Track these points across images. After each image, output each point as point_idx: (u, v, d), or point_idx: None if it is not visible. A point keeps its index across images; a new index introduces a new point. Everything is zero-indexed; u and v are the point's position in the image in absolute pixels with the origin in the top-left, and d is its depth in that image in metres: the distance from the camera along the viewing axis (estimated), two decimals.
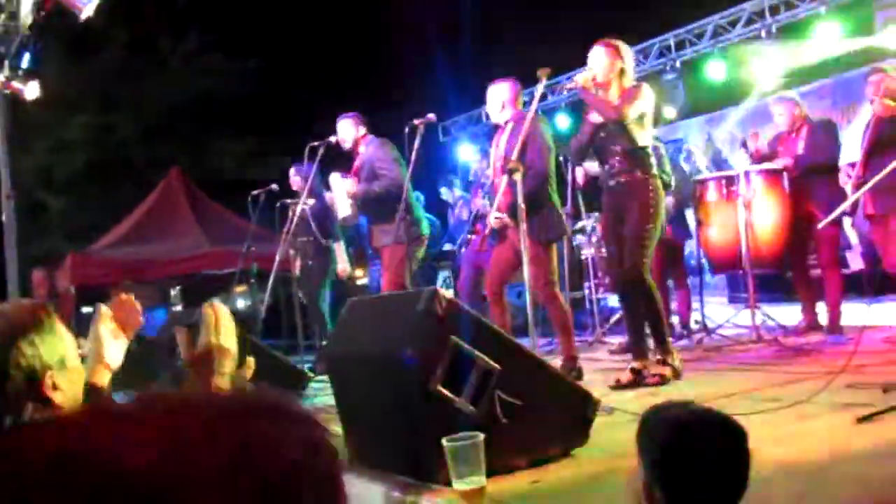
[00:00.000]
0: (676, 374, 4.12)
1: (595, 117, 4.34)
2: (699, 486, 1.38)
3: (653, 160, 4.32)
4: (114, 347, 1.84)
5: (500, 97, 4.85)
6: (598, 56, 4.32)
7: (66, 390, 1.49)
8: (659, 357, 4.15)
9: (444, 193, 8.38)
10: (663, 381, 4.02)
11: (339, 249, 6.55)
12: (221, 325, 1.65)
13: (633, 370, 4.18)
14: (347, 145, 5.87)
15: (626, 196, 4.24)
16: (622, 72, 4.30)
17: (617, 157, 4.28)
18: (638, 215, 4.17)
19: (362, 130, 5.87)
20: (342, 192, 5.75)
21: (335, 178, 5.83)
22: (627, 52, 4.38)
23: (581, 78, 4.27)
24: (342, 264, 6.57)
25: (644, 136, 4.25)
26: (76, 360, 1.55)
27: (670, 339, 4.33)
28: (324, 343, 6.39)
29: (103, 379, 1.82)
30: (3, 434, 1.32)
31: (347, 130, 5.86)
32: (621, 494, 1.51)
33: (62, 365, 1.48)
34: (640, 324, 4.32)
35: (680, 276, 6.44)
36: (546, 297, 4.58)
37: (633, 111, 4.16)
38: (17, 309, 1.50)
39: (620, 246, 4.30)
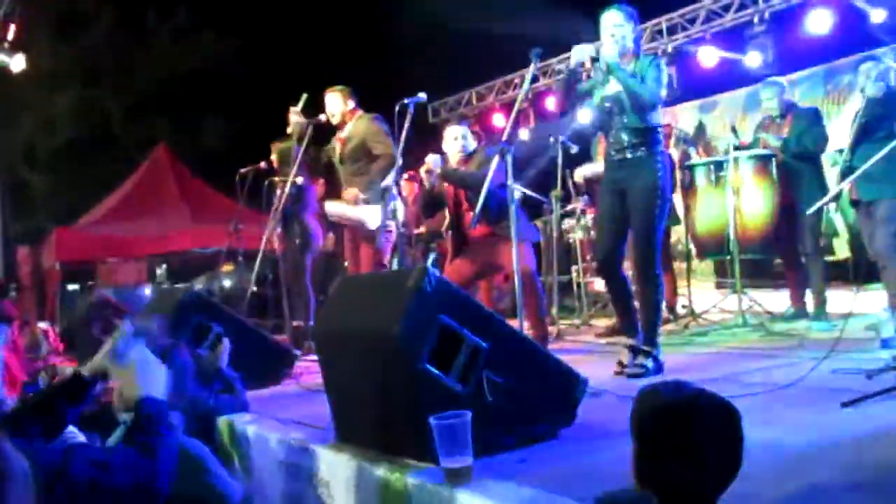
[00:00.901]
0: (658, 368, 3.97)
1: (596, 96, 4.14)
2: (691, 466, 1.38)
3: (661, 138, 4.10)
4: None
5: None
6: (616, 22, 3.99)
7: None
8: (646, 348, 4.01)
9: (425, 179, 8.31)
10: (645, 372, 3.94)
11: (316, 226, 6.46)
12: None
13: (631, 347, 4.05)
14: (336, 119, 5.74)
15: (630, 175, 4.02)
16: (637, 42, 4.08)
17: (624, 132, 4.04)
18: (644, 197, 3.95)
19: (351, 104, 5.75)
20: (347, 209, 5.51)
21: (333, 205, 5.61)
22: (636, 16, 4.12)
23: (610, 52, 3.89)
24: (320, 240, 6.49)
25: (656, 115, 4.05)
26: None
27: (660, 333, 4.19)
28: (295, 323, 6.35)
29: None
30: None
31: (336, 103, 5.74)
32: (608, 475, 1.51)
33: None
34: (628, 302, 4.20)
35: (665, 260, 6.45)
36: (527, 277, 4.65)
37: (663, 92, 3.97)
38: None
39: (610, 226, 4.12)
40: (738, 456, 1.40)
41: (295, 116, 5.83)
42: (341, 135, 5.74)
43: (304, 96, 5.87)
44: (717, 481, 1.39)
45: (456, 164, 5.16)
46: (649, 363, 3.93)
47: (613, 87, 4.05)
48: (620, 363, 4.00)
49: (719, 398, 1.47)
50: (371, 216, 5.42)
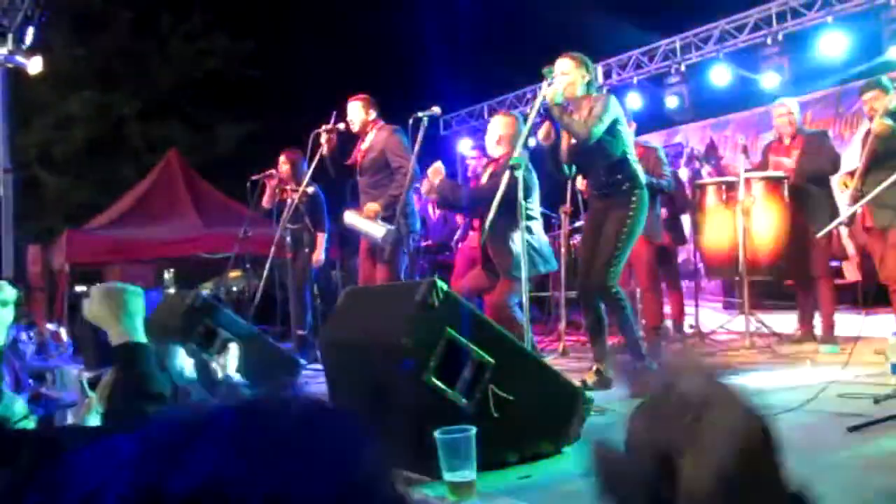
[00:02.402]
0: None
1: (566, 137, 4.30)
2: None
3: (636, 167, 4.25)
4: None
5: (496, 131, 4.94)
6: (563, 69, 4.23)
7: None
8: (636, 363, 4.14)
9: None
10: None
11: (321, 239, 6.46)
12: None
13: (597, 371, 4.19)
14: (355, 127, 5.68)
15: (607, 207, 4.22)
16: (589, 84, 4.26)
17: (598, 171, 4.24)
18: (614, 225, 4.14)
19: (373, 114, 5.70)
20: (365, 222, 5.44)
21: (350, 216, 5.52)
22: (591, 63, 4.33)
23: (550, 92, 4.14)
24: (318, 255, 6.45)
25: (620, 146, 4.19)
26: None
27: (643, 345, 4.29)
28: (300, 333, 6.35)
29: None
30: None
31: (357, 112, 5.69)
32: None
33: None
34: (600, 330, 4.33)
35: (672, 279, 6.44)
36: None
37: (601, 127, 4.08)
38: None
39: (590, 257, 4.27)
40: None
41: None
42: (362, 145, 5.70)
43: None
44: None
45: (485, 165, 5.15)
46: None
47: None
48: (583, 381, 4.03)
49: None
50: (384, 233, 5.35)
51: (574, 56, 4.26)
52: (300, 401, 0.60)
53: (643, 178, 4.29)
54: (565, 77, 4.20)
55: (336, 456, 0.54)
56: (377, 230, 5.37)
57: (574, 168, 4.49)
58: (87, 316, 1.69)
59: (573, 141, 4.24)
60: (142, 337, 1.66)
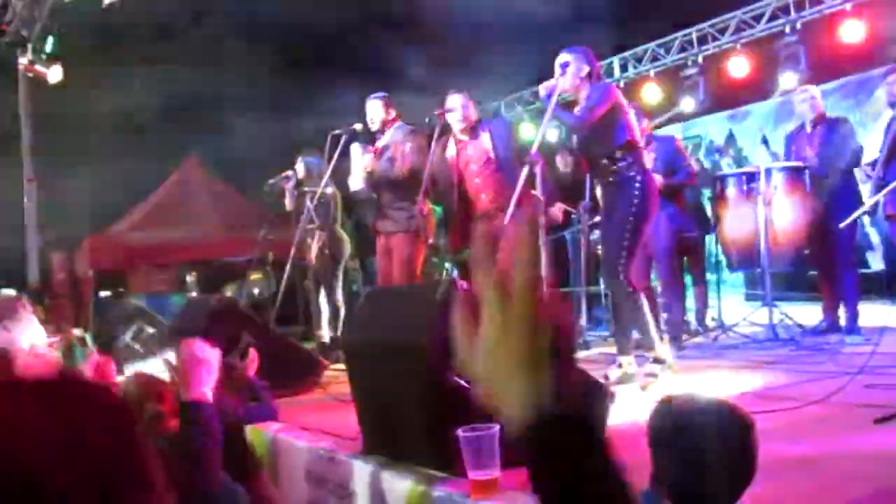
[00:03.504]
0: (667, 369, 4.07)
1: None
2: (703, 474, 1.40)
3: (639, 153, 4.22)
4: None
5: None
6: (560, 61, 4.25)
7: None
8: (652, 356, 4.10)
9: None
10: (654, 378, 3.97)
11: (339, 236, 6.50)
12: None
13: (619, 365, 4.19)
14: (375, 126, 5.72)
15: (613, 196, 4.21)
16: (590, 75, 4.24)
17: (600, 161, 4.23)
18: (619, 214, 4.12)
19: (392, 113, 5.74)
20: (360, 165, 5.61)
21: (356, 148, 5.67)
22: (593, 57, 4.32)
23: (543, 88, 4.23)
24: (342, 250, 6.50)
25: (620, 133, 4.15)
26: (47, 350, 1.70)
27: (660, 337, 4.24)
28: (322, 332, 6.39)
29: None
30: None
31: (377, 111, 5.72)
32: (635, 488, 1.51)
33: (32, 350, 1.61)
34: (621, 320, 4.34)
35: (698, 272, 6.40)
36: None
37: (593, 115, 4.08)
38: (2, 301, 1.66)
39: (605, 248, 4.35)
40: (751, 465, 1.41)
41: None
42: (378, 143, 5.74)
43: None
44: (730, 490, 1.41)
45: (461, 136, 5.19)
46: (657, 369, 4.00)
47: None
48: (605, 376, 4.04)
49: (733, 408, 1.47)
50: (355, 180, 5.64)
51: (572, 50, 4.27)
52: None
53: (649, 165, 4.32)
54: (562, 70, 4.22)
55: None
56: (355, 181, 5.63)
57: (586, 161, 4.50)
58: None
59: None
60: None
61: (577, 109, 4.22)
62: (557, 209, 5.91)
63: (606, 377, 4.03)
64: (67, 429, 0.67)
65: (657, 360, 4.09)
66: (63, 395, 0.71)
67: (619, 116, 4.16)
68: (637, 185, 4.10)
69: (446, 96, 5.14)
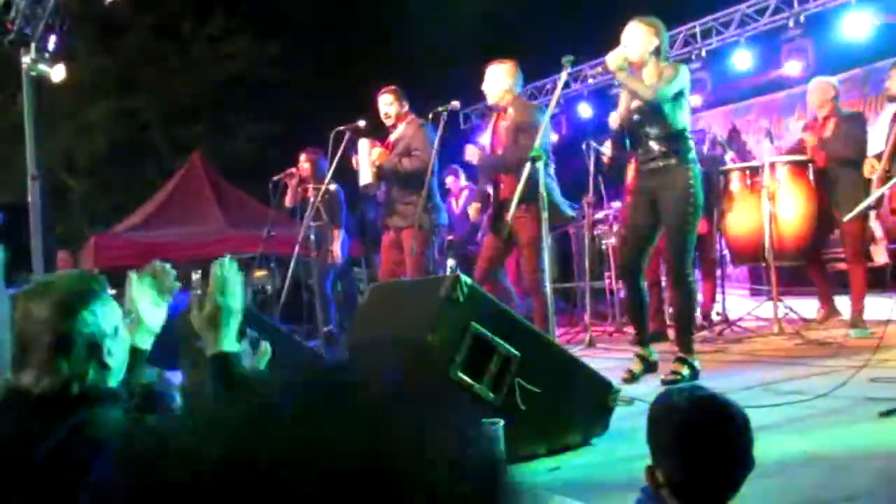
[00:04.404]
0: (694, 375, 3.96)
1: (626, 102, 4.18)
2: (698, 469, 1.42)
3: (692, 144, 4.11)
4: (152, 312, 1.92)
5: (500, 79, 4.81)
6: (633, 33, 4.09)
7: (117, 355, 1.60)
8: (681, 354, 4.03)
9: (449, 182, 8.29)
10: (680, 378, 3.88)
11: (338, 235, 6.50)
12: (228, 284, 1.73)
13: (639, 357, 4.14)
14: (390, 121, 5.64)
15: (662, 184, 4.03)
16: (658, 50, 4.09)
17: (652, 141, 4.07)
18: (677, 206, 3.96)
19: (405, 107, 5.65)
20: (368, 159, 5.55)
21: (363, 143, 5.61)
22: (663, 30, 4.17)
23: (613, 59, 4.02)
24: (336, 250, 6.50)
25: (682, 118, 4.05)
26: (124, 329, 1.66)
27: (694, 338, 4.19)
28: (327, 329, 6.39)
29: (145, 343, 1.93)
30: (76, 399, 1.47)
31: (389, 104, 5.63)
32: (640, 483, 1.53)
33: (115, 332, 1.58)
34: (641, 313, 4.26)
35: (708, 267, 6.38)
36: (533, 285, 4.61)
37: (669, 91, 3.95)
38: (72, 279, 1.60)
39: (637, 233, 4.17)
40: (748, 458, 1.44)
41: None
42: (391, 137, 5.70)
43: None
44: (728, 483, 1.43)
45: None
46: (685, 370, 3.93)
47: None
48: (630, 371, 4.00)
49: (724, 404, 1.49)
50: (366, 183, 5.59)
51: (644, 20, 4.12)
52: None
53: (695, 155, 4.13)
54: (633, 42, 4.07)
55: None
56: (364, 175, 5.56)
57: (630, 140, 4.28)
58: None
59: (634, 104, 4.11)
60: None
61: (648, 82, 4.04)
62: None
63: (631, 372, 4.02)
64: None
65: (685, 361, 3.98)
66: None
67: (683, 101, 4.06)
68: (690, 174, 3.98)
69: (488, 67, 4.95)
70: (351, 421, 0.54)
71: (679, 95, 4.02)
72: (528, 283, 4.81)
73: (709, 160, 6.14)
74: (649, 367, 4.09)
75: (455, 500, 0.52)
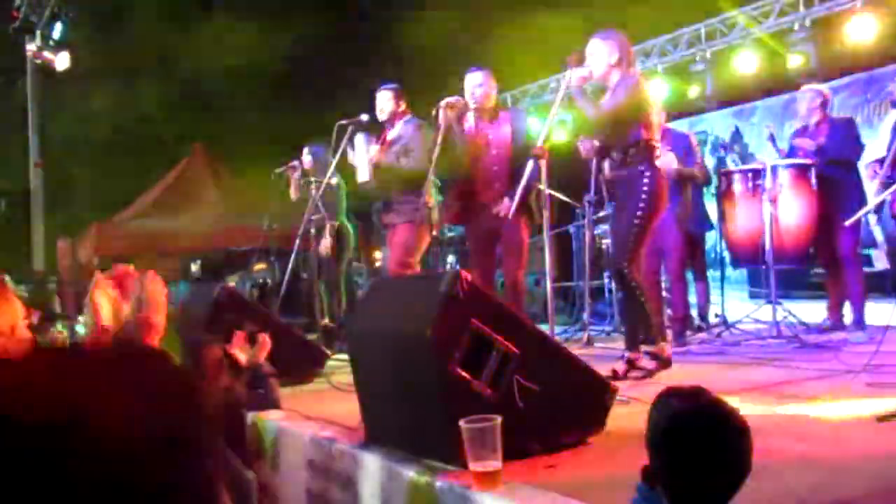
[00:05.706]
0: (664, 365, 4.11)
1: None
2: (695, 471, 1.43)
3: (654, 150, 4.17)
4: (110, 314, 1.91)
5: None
6: (593, 50, 4.21)
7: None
8: (647, 350, 4.14)
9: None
10: (649, 375, 4.01)
11: (332, 230, 6.48)
12: (149, 299, 1.75)
13: (627, 360, 4.19)
14: (384, 117, 5.65)
15: (624, 190, 4.20)
16: (620, 62, 4.18)
17: (616, 151, 4.22)
18: (630, 208, 4.12)
19: (402, 105, 5.66)
20: (366, 157, 5.56)
21: (360, 139, 5.60)
22: (623, 41, 4.24)
23: (573, 75, 4.15)
24: (327, 243, 6.48)
25: (643, 128, 4.12)
26: (24, 330, 1.68)
27: (661, 332, 4.30)
28: (325, 322, 6.40)
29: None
30: None
31: (387, 102, 5.65)
32: (636, 483, 1.54)
33: (12, 332, 1.60)
34: (630, 316, 4.36)
35: (699, 268, 6.39)
36: (523, 285, 4.75)
37: (615, 108, 4.06)
38: None
39: (615, 239, 4.35)
40: (741, 465, 1.45)
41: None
42: (388, 136, 5.70)
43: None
44: (725, 486, 1.44)
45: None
46: (646, 363, 4.07)
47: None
48: (613, 371, 4.03)
49: (728, 407, 1.50)
50: (361, 172, 5.59)
51: (601, 36, 4.22)
52: None
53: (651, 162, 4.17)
54: (595, 59, 4.18)
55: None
56: (361, 173, 5.56)
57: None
58: None
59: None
60: None
61: (604, 98, 4.19)
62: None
63: (614, 371, 4.03)
64: (146, 397, 0.71)
65: (655, 357, 4.12)
66: (135, 366, 0.75)
67: (640, 114, 4.12)
68: (646, 180, 4.08)
69: (468, 73, 5.04)
70: None
71: (635, 108, 4.10)
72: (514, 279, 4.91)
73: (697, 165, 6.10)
74: (641, 370, 4.12)
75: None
